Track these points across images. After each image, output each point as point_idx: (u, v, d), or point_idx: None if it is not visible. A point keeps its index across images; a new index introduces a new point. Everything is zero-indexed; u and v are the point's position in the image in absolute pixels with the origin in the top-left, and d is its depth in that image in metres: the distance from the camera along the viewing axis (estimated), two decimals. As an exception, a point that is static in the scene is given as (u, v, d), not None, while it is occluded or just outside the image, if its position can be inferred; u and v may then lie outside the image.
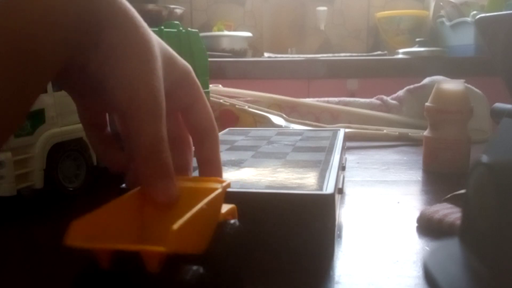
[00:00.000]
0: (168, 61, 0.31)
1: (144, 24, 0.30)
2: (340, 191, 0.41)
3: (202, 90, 0.34)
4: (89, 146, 0.52)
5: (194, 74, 0.34)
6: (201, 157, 0.34)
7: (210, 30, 1.90)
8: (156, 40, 0.30)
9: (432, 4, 1.91)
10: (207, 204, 0.25)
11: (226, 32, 1.84)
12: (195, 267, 0.22)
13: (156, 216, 0.28)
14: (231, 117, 0.88)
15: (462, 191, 0.41)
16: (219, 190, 0.27)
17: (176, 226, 0.22)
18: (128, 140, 0.28)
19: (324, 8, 1.96)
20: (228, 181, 0.29)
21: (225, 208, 0.29)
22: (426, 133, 0.60)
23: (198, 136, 0.34)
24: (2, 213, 0.47)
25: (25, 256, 0.37)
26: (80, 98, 0.32)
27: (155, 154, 0.27)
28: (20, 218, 0.45)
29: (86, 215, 0.24)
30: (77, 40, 0.26)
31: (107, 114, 0.34)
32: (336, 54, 1.71)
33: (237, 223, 0.28)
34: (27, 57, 0.23)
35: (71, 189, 0.50)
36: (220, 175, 0.34)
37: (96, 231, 0.24)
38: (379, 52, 1.75)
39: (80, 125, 0.51)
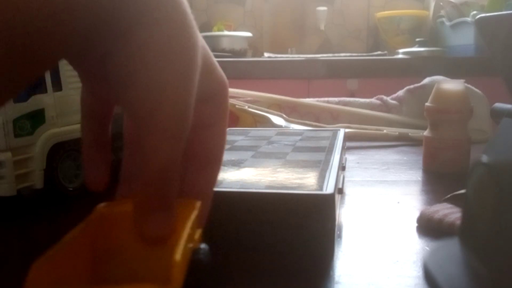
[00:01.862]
0: (207, 70, 0.27)
1: (193, 23, 0.26)
2: (340, 191, 0.41)
3: (228, 111, 0.30)
4: None
5: (228, 91, 0.30)
6: (192, 185, 0.29)
7: (210, 30, 1.90)
8: (201, 44, 0.26)
9: (432, 4, 1.91)
10: (191, 229, 0.22)
11: (226, 32, 1.84)
12: None
13: (123, 245, 0.24)
14: (231, 117, 0.88)
15: (462, 191, 0.41)
16: (196, 213, 0.24)
17: (178, 256, 0.19)
18: (135, 152, 0.25)
19: (324, 8, 1.96)
20: (199, 202, 0.26)
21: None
22: (426, 133, 0.60)
23: (200, 161, 0.29)
24: (2, 213, 0.47)
25: (25, 256, 0.37)
26: (89, 80, 0.27)
27: (162, 182, 0.23)
28: (20, 218, 0.45)
29: (48, 253, 0.21)
30: (93, 25, 0.21)
31: (114, 108, 0.29)
32: (336, 54, 1.71)
33: (207, 247, 0.25)
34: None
35: (71, 189, 0.50)
36: (206, 212, 0.29)
37: (61, 272, 0.21)
38: (379, 52, 1.75)
39: (80, 125, 0.51)
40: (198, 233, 0.25)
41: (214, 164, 0.30)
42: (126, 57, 0.23)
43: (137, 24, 0.23)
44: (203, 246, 0.24)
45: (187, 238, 0.22)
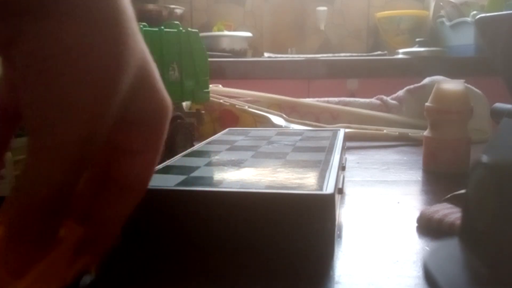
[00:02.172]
0: (146, 90, 0.24)
1: (132, 30, 0.21)
2: (340, 191, 0.41)
3: (163, 139, 0.26)
4: None
5: (169, 117, 0.26)
6: (102, 211, 0.26)
7: (210, 30, 1.90)
8: (140, 57, 0.22)
9: (432, 4, 1.91)
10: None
11: (226, 32, 1.84)
12: None
13: None
14: (231, 117, 0.88)
15: (462, 191, 0.41)
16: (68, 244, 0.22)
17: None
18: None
19: (324, 8, 1.96)
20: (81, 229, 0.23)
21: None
22: (426, 133, 0.60)
23: (117, 188, 0.26)
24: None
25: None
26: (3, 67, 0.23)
27: (40, 213, 0.19)
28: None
29: None
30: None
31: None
32: (336, 54, 1.71)
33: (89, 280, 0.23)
34: None
35: None
36: (107, 240, 0.27)
37: None
38: (379, 52, 1.75)
39: None
40: (79, 264, 0.23)
41: (133, 193, 0.27)
42: (28, 51, 0.19)
43: (55, 11, 0.18)
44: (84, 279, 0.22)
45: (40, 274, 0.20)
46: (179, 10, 1.79)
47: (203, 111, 0.75)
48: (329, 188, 0.35)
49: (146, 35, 0.61)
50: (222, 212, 0.35)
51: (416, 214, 0.41)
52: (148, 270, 0.33)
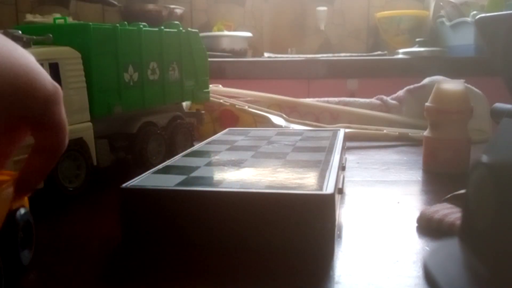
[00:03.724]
0: (20, 89, 0.29)
1: None
2: (340, 191, 0.41)
3: (56, 118, 0.32)
4: (89, 146, 0.53)
5: (56, 103, 0.32)
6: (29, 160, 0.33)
7: (210, 30, 1.90)
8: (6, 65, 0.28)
9: (432, 4, 1.91)
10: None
11: (226, 32, 1.84)
12: None
13: None
14: (231, 117, 0.88)
15: (462, 191, 0.41)
16: (8, 184, 0.31)
17: None
18: None
19: (324, 8, 1.96)
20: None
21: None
22: (426, 133, 0.60)
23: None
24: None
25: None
26: None
27: None
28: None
29: None
30: None
31: None
32: (336, 54, 1.71)
33: (24, 211, 0.33)
34: None
35: (71, 189, 0.50)
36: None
37: None
38: (379, 52, 1.75)
39: (80, 125, 0.52)
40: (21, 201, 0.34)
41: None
42: None
43: None
44: (22, 210, 0.33)
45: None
46: (179, 10, 1.79)
47: (203, 111, 0.75)
48: (329, 188, 0.35)
49: (146, 35, 0.61)
50: (222, 212, 0.35)
51: (416, 214, 0.41)
52: (148, 270, 0.33)
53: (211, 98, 0.84)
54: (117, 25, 0.57)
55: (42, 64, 0.46)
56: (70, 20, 0.67)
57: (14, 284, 0.31)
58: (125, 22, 0.59)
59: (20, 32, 0.48)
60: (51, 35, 0.50)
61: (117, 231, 0.38)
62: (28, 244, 0.34)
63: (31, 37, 0.49)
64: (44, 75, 0.31)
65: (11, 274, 0.31)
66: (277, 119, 0.85)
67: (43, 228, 0.43)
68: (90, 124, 0.53)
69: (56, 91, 0.31)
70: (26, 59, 0.30)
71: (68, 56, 0.50)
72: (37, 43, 0.50)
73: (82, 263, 0.34)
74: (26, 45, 0.48)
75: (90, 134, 0.53)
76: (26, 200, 0.35)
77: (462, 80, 0.59)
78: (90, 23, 0.53)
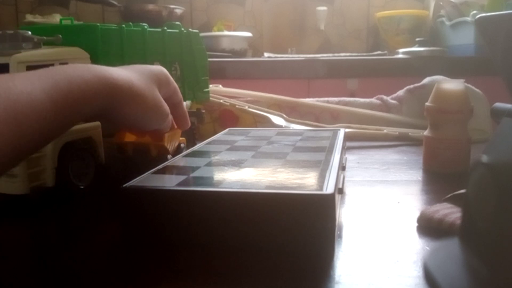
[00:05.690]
0: (160, 83, 0.48)
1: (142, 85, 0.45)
2: (340, 191, 0.41)
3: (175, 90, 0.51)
4: (97, 145, 0.53)
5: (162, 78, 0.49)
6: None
7: (210, 30, 1.90)
8: (144, 85, 0.45)
9: (432, 4, 1.91)
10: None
11: (226, 32, 1.83)
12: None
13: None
14: (231, 117, 0.88)
15: (462, 191, 0.41)
16: (177, 132, 0.53)
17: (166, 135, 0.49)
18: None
19: (324, 8, 1.96)
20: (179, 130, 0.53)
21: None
22: (426, 133, 0.60)
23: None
24: (13, 211, 0.47)
25: (38, 253, 0.37)
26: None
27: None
28: (31, 216, 0.45)
29: None
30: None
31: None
32: (336, 54, 1.71)
33: (183, 145, 0.55)
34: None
35: (82, 187, 0.51)
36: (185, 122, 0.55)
37: None
38: (379, 52, 1.75)
39: (89, 124, 0.53)
40: (181, 140, 0.54)
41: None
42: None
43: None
44: (182, 144, 0.55)
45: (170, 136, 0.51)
46: (179, 10, 1.79)
47: (203, 110, 0.75)
48: (329, 188, 0.35)
49: (150, 35, 0.61)
50: (222, 212, 0.35)
51: (416, 214, 0.41)
52: (149, 269, 0.33)
53: (211, 98, 0.84)
54: (123, 25, 0.57)
55: (53, 64, 0.46)
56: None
57: (14, 278, 0.31)
58: (130, 23, 0.59)
59: (30, 33, 0.48)
60: (60, 36, 0.51)
61: (119, 230, 0.39)
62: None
63: (41, 37, 0.49)
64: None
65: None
66: (277, 119, 0.85)
67: (54, 226, 0.43)
68: (98, 123, 0.54)
69: (172, 82, 0.51)
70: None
71: (78, 57, 0.51)
72: (47, 43, 0.50)
73: (82, 263, 0.35)
74: (36, 45, 0.49)
75: (98, 133, 0.54)
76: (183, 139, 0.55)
77: (462, 80, 0.59)
78: (98, 24, 0.53)
